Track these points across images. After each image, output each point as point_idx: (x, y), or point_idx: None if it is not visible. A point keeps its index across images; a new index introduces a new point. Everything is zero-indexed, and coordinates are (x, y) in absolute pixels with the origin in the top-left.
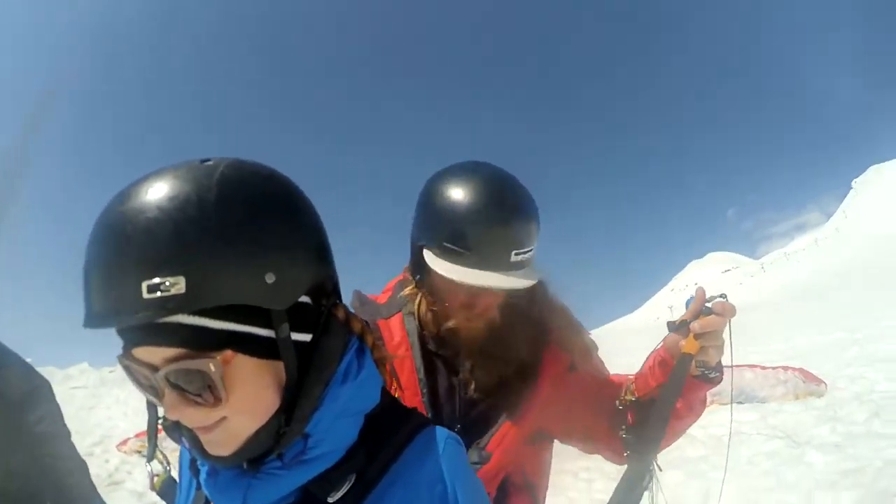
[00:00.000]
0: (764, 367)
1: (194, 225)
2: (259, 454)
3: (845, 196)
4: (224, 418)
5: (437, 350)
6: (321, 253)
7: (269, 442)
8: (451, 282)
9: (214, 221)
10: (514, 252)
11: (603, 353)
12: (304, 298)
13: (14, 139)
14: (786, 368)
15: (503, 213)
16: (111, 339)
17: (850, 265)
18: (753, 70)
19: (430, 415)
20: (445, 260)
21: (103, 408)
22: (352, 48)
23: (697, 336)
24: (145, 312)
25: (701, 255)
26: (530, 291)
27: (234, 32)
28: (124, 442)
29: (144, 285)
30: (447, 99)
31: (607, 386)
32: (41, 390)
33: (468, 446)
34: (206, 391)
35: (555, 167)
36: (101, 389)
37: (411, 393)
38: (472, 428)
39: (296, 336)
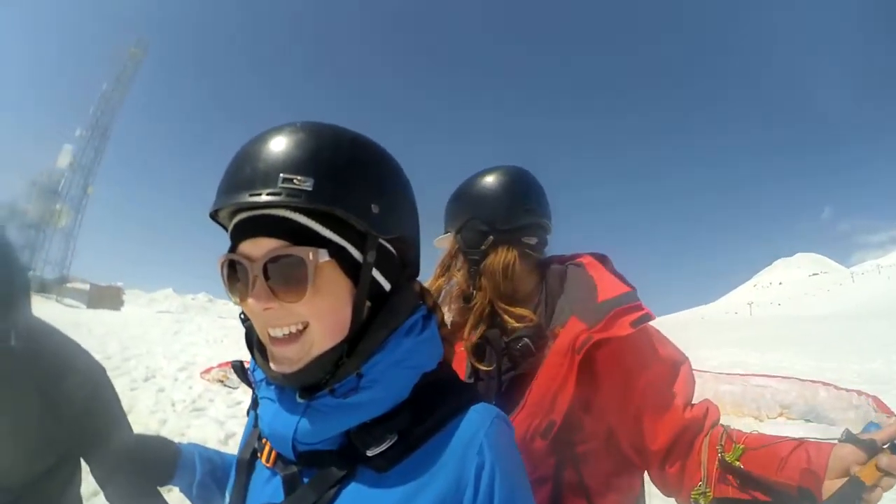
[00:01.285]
0: (838, 388)
1: (330, 148)
2: (316, 382)
3: None
4: (306, 326)
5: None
6: (414, 217)
7: (329, 367)
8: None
9: (346, 150)
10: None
11: (676, 342)
12: (392, 249)
13: (109, 86)
14: (860, 393)
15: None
16: (196, 268)
17: None
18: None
19: None
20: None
21: (186, 334)
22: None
23: (881, 469)
24: (276, 196)
25: (790, 254)
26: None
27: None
28: (208, 370)
29: (281, 176)
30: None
31: (674, 405)
32: (100, 389)
33: None
34: (294, 283)
35: (653, 151)
36: (184, 315)
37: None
38: (506, 409)
39: (378, 276)
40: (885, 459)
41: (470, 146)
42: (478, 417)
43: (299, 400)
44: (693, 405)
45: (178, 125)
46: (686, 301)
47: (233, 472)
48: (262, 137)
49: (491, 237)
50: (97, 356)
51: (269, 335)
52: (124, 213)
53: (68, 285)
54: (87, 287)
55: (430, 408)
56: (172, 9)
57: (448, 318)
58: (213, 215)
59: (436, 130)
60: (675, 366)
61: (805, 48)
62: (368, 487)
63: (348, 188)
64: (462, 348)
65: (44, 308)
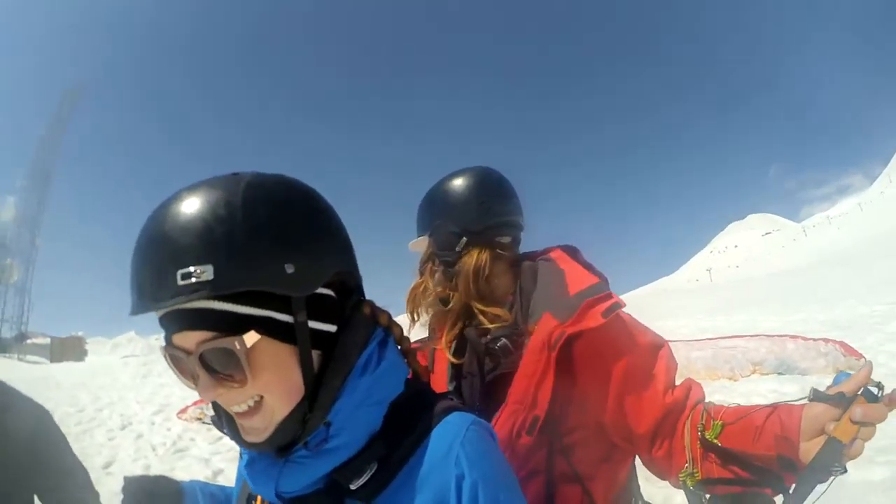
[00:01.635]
0: (805, 339)
1: (222, 222)
2: (288, 442)
3: (891, 159)
4: (261, 399)
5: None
6: (340, 252)
7: (296, 429)
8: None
9: (239, 219)
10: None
11: (645, 316)
12: (327, 291)
13: (46, 131)
14: (826, 341)
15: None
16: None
17: None
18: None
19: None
20: None
21: (156, 375)
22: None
23: (855, 422)
24: (179, 297)
25: (742, 217)
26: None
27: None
28: (184, 410)
29: (179, 273)
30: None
31: (654, 389)
32: (42, 429)
33: None
34: (235, 370)
35: (596, 130)
36: (150, 357)
37: (443, 379)
38: (491, 407)
39: (318, 326)
40: (857, 411)
41: (436, 144)
42: (452, 429)
43: (276, 458)
44: (675, 387)
45: (122, 161)
46: (647, 275)
47: (205, 498)
48: (155, 222)
49: (464, 239)
50: (69, 409)
51: (234, 412)
52: (76, 260)
53: (28, 342)
54: (48, 341)
55: (404, 430)
56: (106, 50)
57: (425, 318)
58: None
59: (401, 128)
60: (653, 350)
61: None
62: None
63: (253, 261)
64: (441, 348)
65: (5, 368)
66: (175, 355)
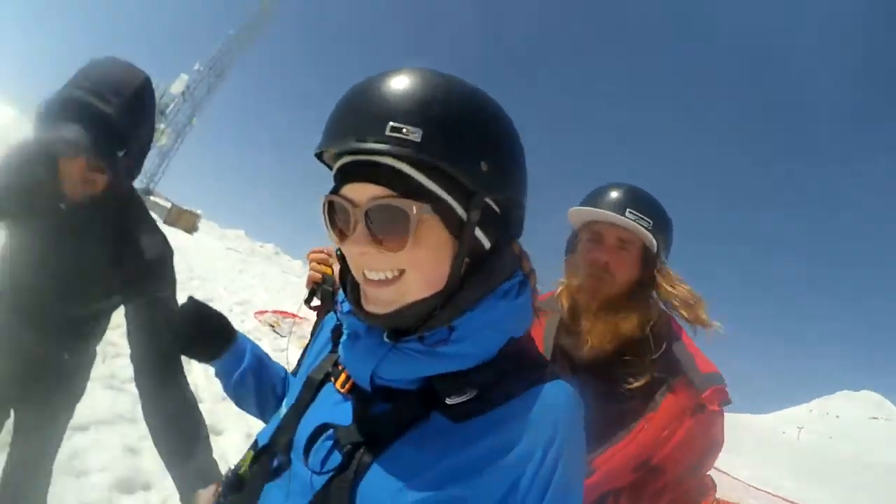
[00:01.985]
0: None
1: (439, 100)
2: (405, 328)
3: None
4: (402, 273)
5: (568, 348)
6: (522, 183)
7: (420, 316)
8: (577, 230)
9: (454, 104)
10: (628, 210)
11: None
12: (496, 208)
13: (235, 32)
14: None
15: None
16: (270, 219)
17: None
18: None
19: None
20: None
21: (249, 276)
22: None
23: None
24: (382, 145)
25: (856, 388)
26: (641, 273)
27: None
28: (262, 312)
29: (390, 124)
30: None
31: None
32: (167, 260)
33: None
34: (397, 234)
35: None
36: (250, 259)
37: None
38: (595, 437)
39: (479, 234)
40: None
41: None
42: (557, 392)
43: (386, 340)
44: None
45: (286, 84)
46: (736, 405)
47: (297, 387)
48: (374, 81)
49: (664, 257)
50: None
51: (364, 276)
52: (218, 151)
53: (151, 198)
54: (169, 205)
55: (513, 372)
56: None
57: (573, 285)
58: (318, 155)
59: None
60: (719, 448)
61: None
62: (439, 433)
63: (458, 143)
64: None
65: None
66: (339, 204)
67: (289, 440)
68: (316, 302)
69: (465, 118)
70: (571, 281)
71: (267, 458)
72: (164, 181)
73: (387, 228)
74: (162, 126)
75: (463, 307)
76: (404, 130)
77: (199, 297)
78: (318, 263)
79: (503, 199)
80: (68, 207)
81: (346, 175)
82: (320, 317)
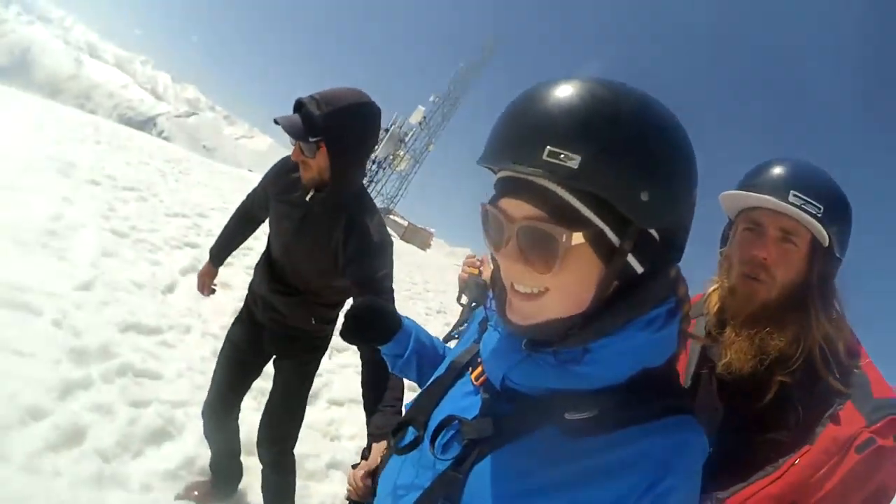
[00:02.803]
0: None
1: (604, 123)
2: (542, 340)
3: None
4: (546, 291)
5: (715, 360)
6: (689, 206)
7: (558, 334)
8: (733, 219)
9: (621, 129)
10: (792, 192)
11: None
12: (655, 234)
13: (464, 66)
14: None
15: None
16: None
17: None
18: None
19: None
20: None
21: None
22: None
23: None
24: (538, 169)
25: None
26: (808, 274)
27: None
28: None
29: (547, 149)
30: None
31: None
32: (385, 245)
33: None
34: (545, 257)
35: None
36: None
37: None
38: (729, 469)
39: (632, 260)
40: None
41: None
42: (679, 431)
43: (523, 348)
44: None
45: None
46: None
47: (443, 367)
48: (536, 95)
49: (839, 254)
50: (404, 281)
51: (511, 285)
52: (452, 174)
53: (391, 216)
54: (405, 224)
55: (640, 399)
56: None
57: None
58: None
59: None
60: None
61: None
62: (552, 445)
63: (618, 170)
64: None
65: None
66: (496, 216)
67: (426, 419)
68: (464, 299)
69: (628, 144)
70: (724, 282)
71: (403, 431)
72: (402, 202)
73: (536, 250)
74: (402, 153)
75: (603, 332)
76: (562, 156)
77: (434, 306)
78: (469, 266)
79: (665, 232)
80: (311, 199)
81: (504, 187)
82: (465, 314)
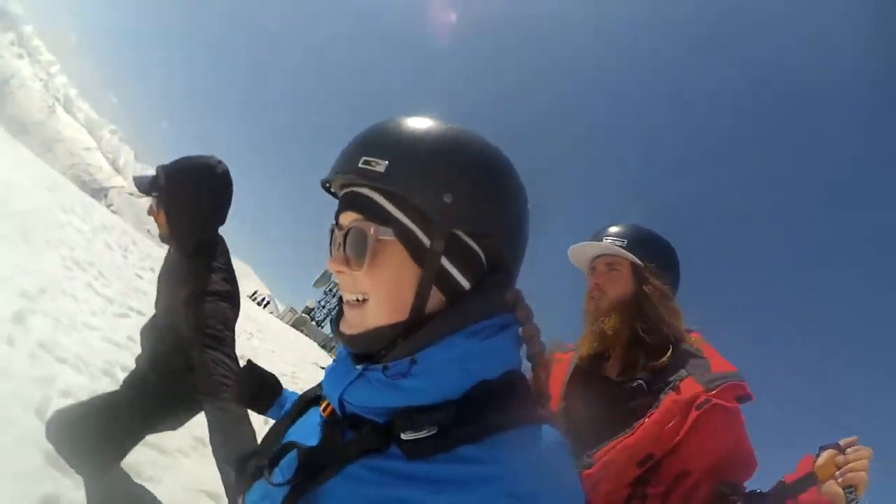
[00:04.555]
0: None
1: (416, 138)
2: (371, 352)
3: None
4: (367, 299)
5: (593, 364)
6: (509, 220)
7: (382, 343)
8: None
9: (430, 142)
10: (605, 237)
11: None
12: (476, 249)
13: None
14: None
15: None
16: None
17: None
18: None
19: (563, 421)
20: None
21: None
22: None
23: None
24: (352, 175)
25: None
26: (636, 287)
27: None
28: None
29: (363, 158)
30: None
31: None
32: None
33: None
34: (358, 255)
35: None
36: None
37: (554, 400)
38: (598, 436)
39: (452, 270)
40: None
41: None
42: (530, 440)
43: (355, 367)
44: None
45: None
46: None
47: (290, 404)
48: (370, 126)
49: (658, 271)
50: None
51: (346, 301)
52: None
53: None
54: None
55: (479, 413)
56: None
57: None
58: (331, 192)
59: None
60: (748, 462)
61: None
62: (391, 467)
63: (421, 174)
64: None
65: None
66: (333, 231)
67: (270, 452)
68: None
69: (433, 153)
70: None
71: (250, 464)
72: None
73: (352, 249)
74: None
75: (423, 341)
76: (373, 162)
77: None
78: None
79: (483, 239)
80: (172, 251)
81: (340, 204)
82: None
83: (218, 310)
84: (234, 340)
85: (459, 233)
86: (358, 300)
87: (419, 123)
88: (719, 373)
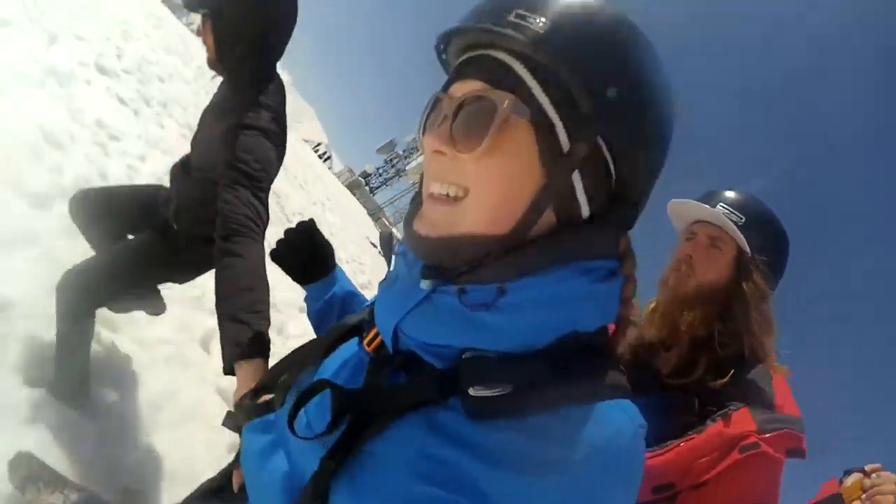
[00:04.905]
0: None
1: (591, 10)
2: (449, 264)
3: None
4: (465, 195)
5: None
6: (658, 148)
7: (471, 257)
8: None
9: (607, 22)
10: (720, 203)
11: None
12: (612, 169)
13: None
14: None
15: None
16: None
17: None
18: None
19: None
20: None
21: None
22: None
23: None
24: (501, 27)
25: None
26: (729, 277)
27: None
28: None
29: (515, 11)
30: None
31: None
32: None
33: None
34: (475, 127)
35: None
36: None
37: None
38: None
39: (578, 188)
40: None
41: None
42: (616, 414)
43: (422, 286)
44: None
45: None
46: None
47: (339, 296)
48: None
49: (762, 266)
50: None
51: (429, 193)
52: None
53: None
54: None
55: (565, 375)
56: None
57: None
58: (443, 59)
59: None
60: None
61: None
62: (449, 426)
63: (587, 50)
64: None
65: None
66: (439, 102)
67: (289, 385)
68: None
69: (608, 34)
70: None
71: (257, 400)
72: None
73: (469, 123)
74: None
75: (524, 265)
76: (529, 18)
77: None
78: None
79: (623, 156)
80: (222, 83)
81: (456, 73)
82: None
83: (258, 146)
84: (270, 184)
85: (603, 143)
86: (449, 195)
87: None
88: (781, 415)
